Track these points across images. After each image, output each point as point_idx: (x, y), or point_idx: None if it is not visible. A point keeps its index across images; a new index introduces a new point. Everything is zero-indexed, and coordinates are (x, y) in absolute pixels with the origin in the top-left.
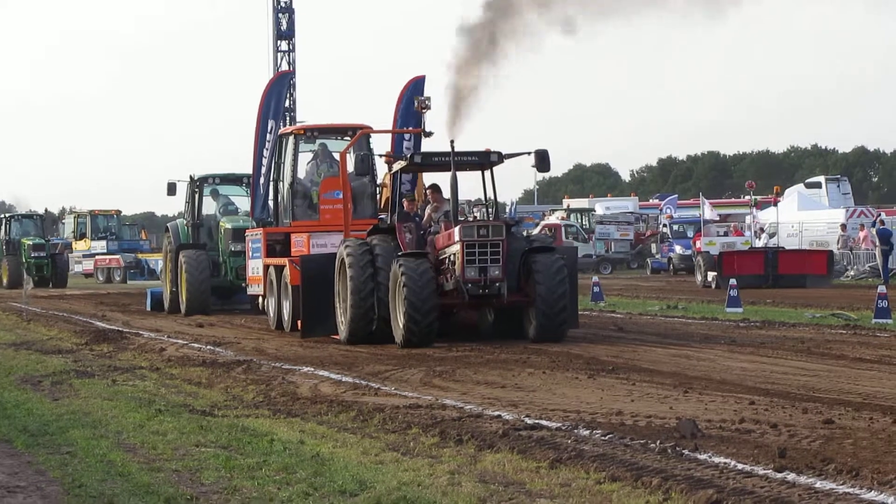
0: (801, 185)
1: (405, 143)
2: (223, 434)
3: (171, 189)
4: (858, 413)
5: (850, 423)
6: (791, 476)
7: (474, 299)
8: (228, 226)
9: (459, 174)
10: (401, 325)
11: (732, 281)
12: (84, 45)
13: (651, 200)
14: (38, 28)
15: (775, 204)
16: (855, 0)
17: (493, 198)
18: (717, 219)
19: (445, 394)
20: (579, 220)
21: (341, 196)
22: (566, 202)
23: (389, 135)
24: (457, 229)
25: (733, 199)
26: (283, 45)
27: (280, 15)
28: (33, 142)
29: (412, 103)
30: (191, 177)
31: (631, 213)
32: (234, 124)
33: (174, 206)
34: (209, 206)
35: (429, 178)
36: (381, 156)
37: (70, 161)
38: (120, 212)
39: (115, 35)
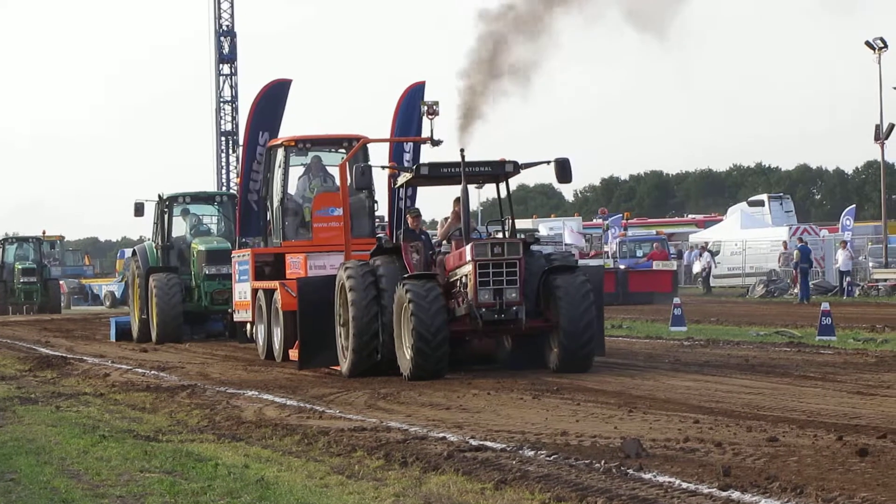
0: (743, 204)
1: (405, 155)
2: (167, 459)
3: (139, 209)
4: (803, 430)
5: (794, 440)
6: (735, 494)
7: (489, 326)
8: (202, 248)
9: (470, 187)
10: (408, 356)
11: (676, 300)
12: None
13: (595, 220)
14: None
15: (625, 228)
16: (796, 15)
17: (509, 212)
18: (582, 243)
19: (390, 416)
20: None
21: (336, 213)
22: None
23: (386, 147)
24: (468, 248)
25: (676, 219)
26: (226, 69)
27: (222, 39)
28: None
29: (411, 111)
30: (159, 196)
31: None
32: (178, 149)
33: (119, 230)
34: (178, 228)
35: (441, 190)
36: (384, 167)
37: (9, 187)
38: (63, 237)
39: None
